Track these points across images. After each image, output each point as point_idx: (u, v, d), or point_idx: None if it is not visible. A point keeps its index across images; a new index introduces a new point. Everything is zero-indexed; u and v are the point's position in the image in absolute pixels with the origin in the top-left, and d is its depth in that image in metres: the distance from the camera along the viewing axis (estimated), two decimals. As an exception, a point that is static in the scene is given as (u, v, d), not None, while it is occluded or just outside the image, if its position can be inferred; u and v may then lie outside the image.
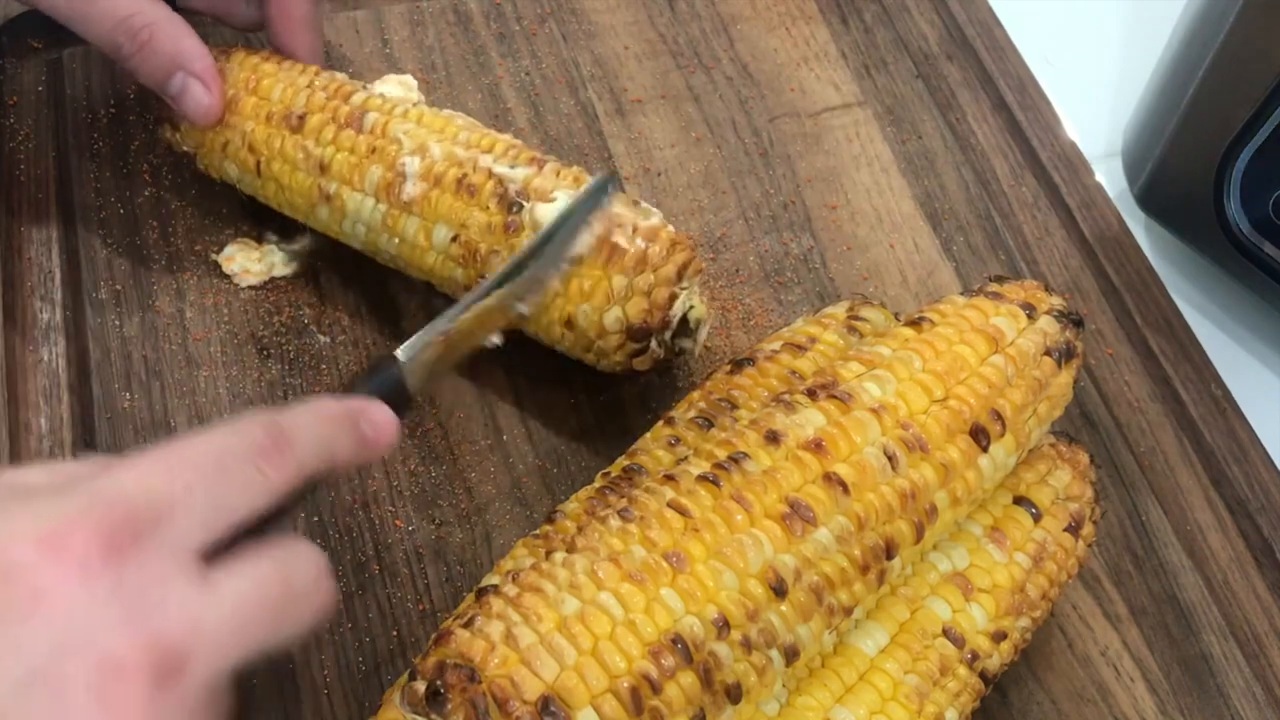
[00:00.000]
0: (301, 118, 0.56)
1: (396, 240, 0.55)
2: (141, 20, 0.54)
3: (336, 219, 0.56)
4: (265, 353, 0.57)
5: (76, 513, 0.32)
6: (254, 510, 0.35)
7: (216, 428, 0.36)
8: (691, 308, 0.54)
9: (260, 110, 0.57)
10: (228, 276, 0.59)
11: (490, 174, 0.53)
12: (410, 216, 0.54)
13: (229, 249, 0.60)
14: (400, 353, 0.43)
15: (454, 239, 0.54)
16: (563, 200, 0.52)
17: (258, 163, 0.57)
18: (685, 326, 0.54)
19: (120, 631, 0.31)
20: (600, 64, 0.71)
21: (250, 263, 0.59)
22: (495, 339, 0.47)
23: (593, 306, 0.52)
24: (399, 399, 0.42)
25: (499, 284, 0.46)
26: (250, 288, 0.59)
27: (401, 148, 0.54)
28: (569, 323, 0.53)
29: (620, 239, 0.52)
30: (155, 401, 0.55)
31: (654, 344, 0.53)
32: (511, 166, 0.54)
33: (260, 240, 0.61)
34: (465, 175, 0.54)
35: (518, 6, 0.73)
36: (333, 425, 0.39)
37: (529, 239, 0.51)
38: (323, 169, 0.55)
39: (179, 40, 0.55)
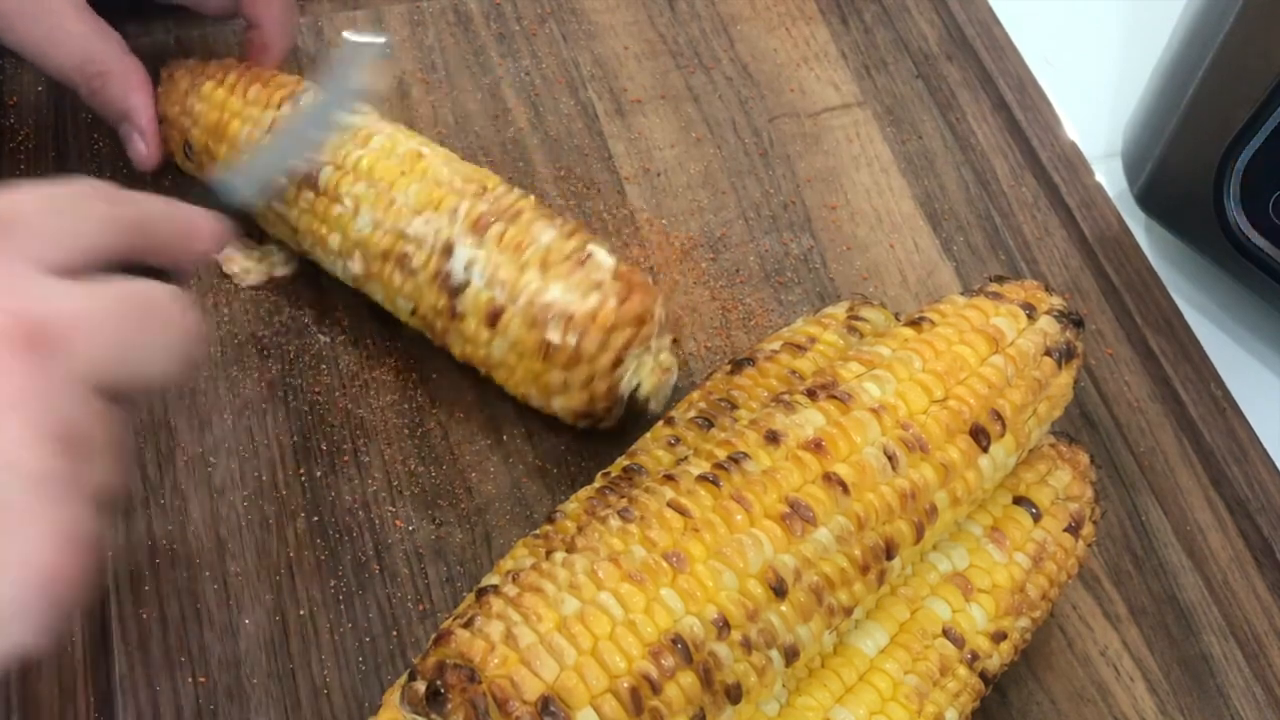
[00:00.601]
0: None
1: (380, 297, 0.56)
2: (94, 68, 0.56)
3: (327, 262, 0.57)
4: (265, 353, 0.57)
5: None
6: (101, 241, 0.37)
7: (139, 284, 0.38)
8: (638, 385, 0.53)
9: (219, 131, 0.57)
10: (228, 276, 0.59)
11: (431, 252, 0.53)
12: (375, 283, 0.55)
13: (229, 249, 0.60)
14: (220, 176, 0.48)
15: (412, 312, 0.55)
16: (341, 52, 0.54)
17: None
18: (635, 395, 0.53)
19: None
20: (600, 64, 0.71)
21: (250, 263, 0.59)
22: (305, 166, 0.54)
23: (538, 394, 0.53)
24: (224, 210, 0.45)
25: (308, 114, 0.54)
26: (250, 288, 0.59)
27: (353, 216, 0.54)
28: (525, 397, 0.54)
29: (553, 335, 0.51)
30: (155, 402, 0.55)
31: (609, 417, 0.54)
32: (453, 233, 0.53)
33: (260, 240, 0.61)
34: (407, 254, 0.53)
35: (518, 6, 0.73)
36: (172, 208, 0.41)
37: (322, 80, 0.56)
38: (295, 230, 0.56)
39: (128, 93, 0.57)
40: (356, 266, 0.55)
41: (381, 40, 0.55)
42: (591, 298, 0.51)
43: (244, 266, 0.59)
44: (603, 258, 0.52)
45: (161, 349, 0.37)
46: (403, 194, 0.54)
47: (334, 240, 0.55)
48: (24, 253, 0.35)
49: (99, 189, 0.38)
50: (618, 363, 0.51)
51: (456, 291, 0.52)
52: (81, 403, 0.34)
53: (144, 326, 0.36)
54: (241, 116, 0.57)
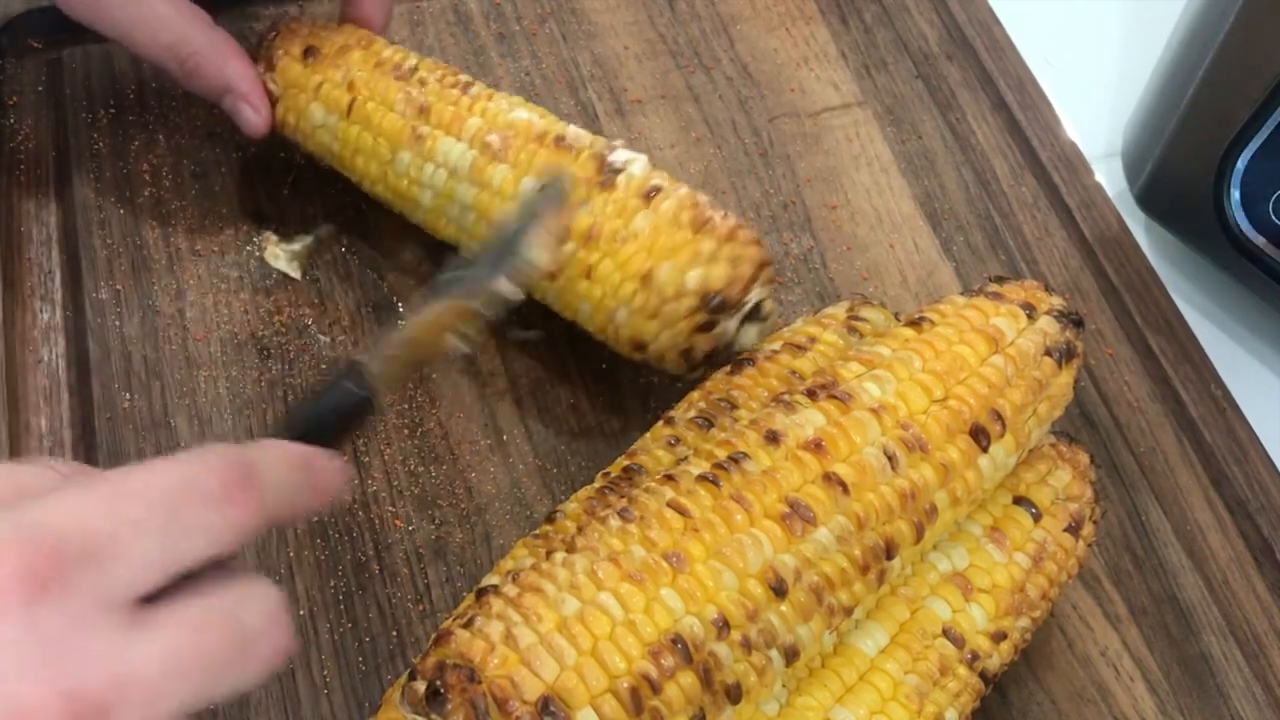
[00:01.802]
0: (413, 69, 0.57)
1: (475, 190, 0.55)
2: (186, 49, 0.56)
3: (417, 165, 0.56)
4: (265, 353, 0.57)
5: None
6: (208, 556, 0.31)
7: (178, 457, 0.31)
8: (764, 300, 0.54)
9: (369, 60, 0.58)
10: (228, 276, 0.59)
11: (591, 142, 0.55)
12: (500, 165, 0.55)
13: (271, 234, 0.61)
14: (366, 359, 0.40)
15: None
16: (517, 205, 0.53)
17: (352, 101, 0.57)
18: (757, 312, 0.53)
19: (32, 679, 0.27)
20: (600, 64, 0.71)
21: (281, 249, 0.60)
22: (463, 346, 0.44)
23: (675, 265, 0.51)
24: (366, 408, 0.40)
25: (458, 287, 0.44)
26: (251, 288, 0.59)
27: (504, 112, 0.56)
28: (646, 278, 0.52)
29: (712, 213, 0.52)
30: (155, 402, 0.55)
31: (724, 323, 0.52)
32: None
33: (260, 240, 0.61)
34: (564, 136, 0.55)
35: (517, 6, 0.73)
36: (299, 472, 0.35)
37: (484, 243, 0.52)
38: (422, 112, 0.56)
39: (223, 66, 0.57)
40: (494, 147, 0.55)
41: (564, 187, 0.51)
42: (700, 247, 0.52)
43: (273, 253, 0.60)
44: (721, 216, 0.53)
45: (243, 676, 0.31)
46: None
47: (473, 124, 0.56)
48: (105, 589, 0.29)
49: (233, 475, 0.31)
50: (760, 266, 0.53)
51: (614, 170, 0.53)
52: (91, 624, 0.29)
53: (226, 665, 0.31)
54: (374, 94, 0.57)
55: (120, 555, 0.29)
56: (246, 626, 0.31)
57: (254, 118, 0.58)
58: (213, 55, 0.56)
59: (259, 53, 0.59)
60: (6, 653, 0.27)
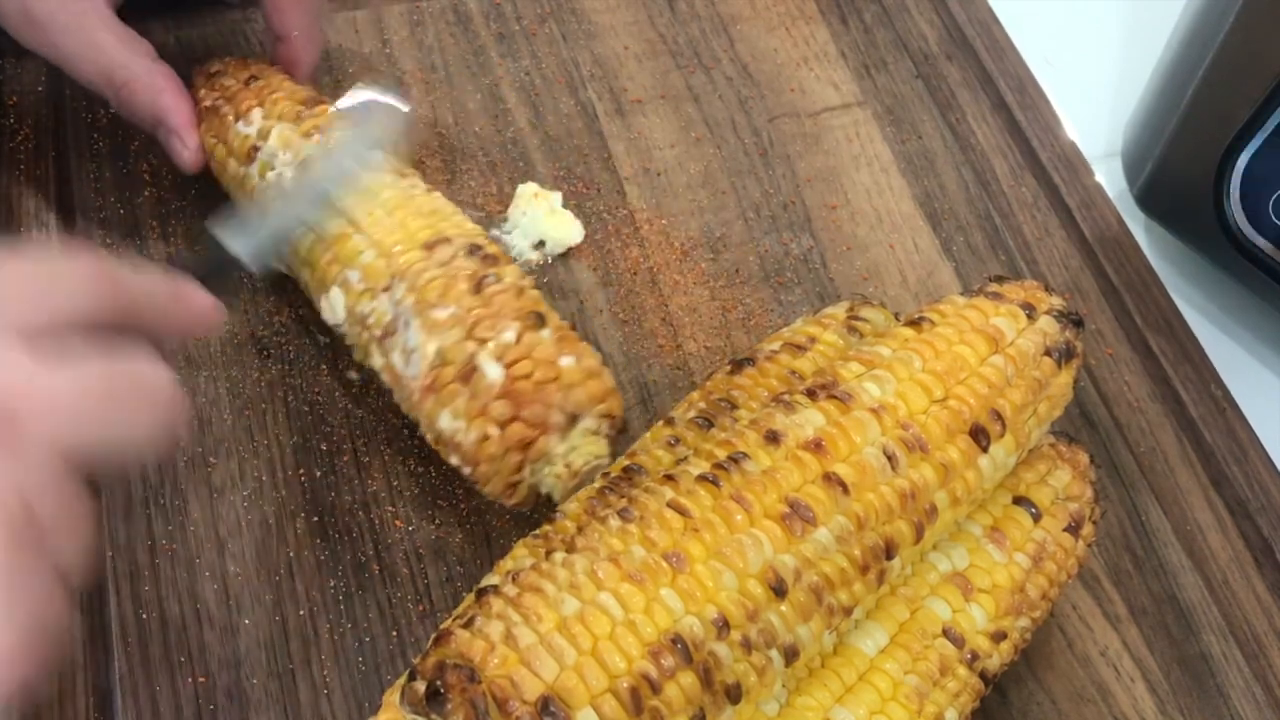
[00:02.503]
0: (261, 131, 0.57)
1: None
2: (121, 76, 0.56)
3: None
4: (265, 353, 0.57)
5: None
6: (84, 309, 0.36)
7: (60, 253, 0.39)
8: (550, 487, 0.50)
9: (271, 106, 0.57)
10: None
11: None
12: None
13: None
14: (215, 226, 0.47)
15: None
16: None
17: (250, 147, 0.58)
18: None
19: None
20: (600, 64, 0.71)
21: None
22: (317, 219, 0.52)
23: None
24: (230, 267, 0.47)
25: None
26: (250, 288, 0.59)
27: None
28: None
29: (454, 460, 0.50)
30: (155, 401, 0.55)
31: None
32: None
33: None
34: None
35: (517, 6, 0.73)
36: (160, 285, 0.41)
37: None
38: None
39: (156, 98, 0.57)
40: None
41: (405, 109, 0.54)
42: (475, 427, 0.49)
43: None
44: (490, 370, 0.49)
45: (141, 426, 0.36)
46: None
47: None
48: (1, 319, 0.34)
49: (91, 259, 0.38)
50: (514, 482, 0.50)
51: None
52: (50, 482, 0.33)
53: (123, 404, 0.36)
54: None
55: (20, 293, 0.35)
56: (142, 379, 0.36)
57: (183, 153, 0.58)
58: (148, 86, 0.56)
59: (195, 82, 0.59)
60: None
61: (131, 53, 0.56)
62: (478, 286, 0.50)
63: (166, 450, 0.38)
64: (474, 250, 0.52)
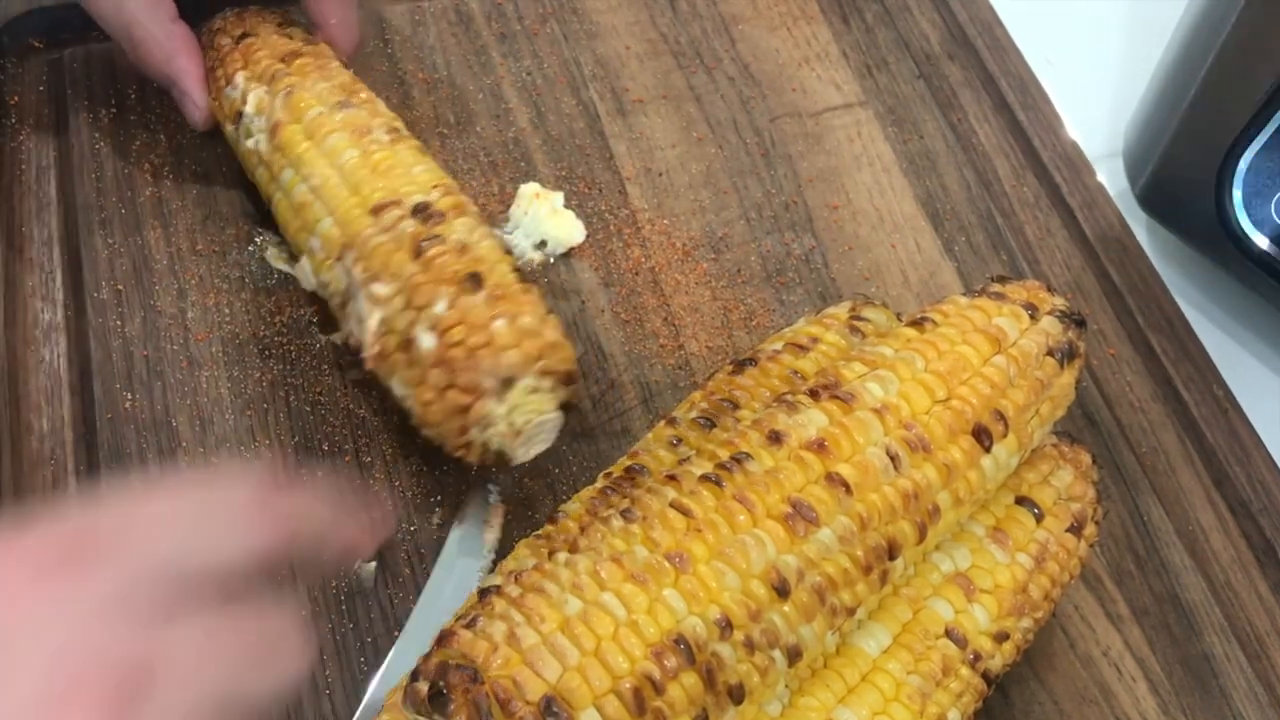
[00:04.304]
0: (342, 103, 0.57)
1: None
2: (139, 33, 0.58)
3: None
4: (266, 353, 0.57)
5: (40, 527, 0.32)
6: (231, 556, 0.34)
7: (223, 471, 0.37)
8: (500, 446, 0.50)
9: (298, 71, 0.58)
10: (229, 276, 0.59)
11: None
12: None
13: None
14: None
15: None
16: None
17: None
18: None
19: (80, 641, 0.30)
20: (602, 64, 0.71)
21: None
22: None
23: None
24: None
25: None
26: (252, 288, 0.59)
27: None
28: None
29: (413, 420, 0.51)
30: (157, 402, 0.55)
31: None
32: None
33: (261, 240, 0.61)
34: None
35: (519, 6, 0.72)
36: (333, 511, 0.38)
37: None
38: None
39: (170, 58, 0.59)
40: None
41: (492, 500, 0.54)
42: (419, 394, 0.50)
43: (274, 253, 0.61)
44: (425, 340, 0.50)
45: (270, 678, 0.35)
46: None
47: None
48: (137, 567, 0.33)
49: (251, 490, 0.36)
50: (463, 444, 0.50)
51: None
52: None
53: (252, 658, 0.34)
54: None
55: (149, 537, 0.33)
56: (269, 627, 0.35)
57: (194, 113, 0.60)
58: (163, 47, 0.58)
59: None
60: (52, 621, 0.30)
61: (153, 11, 0.58)
62: (418, 251, 0.51)
63: (293, 680, 0.36)
64: (419, 210, 0.52)
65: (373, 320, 0.51)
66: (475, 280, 0.50)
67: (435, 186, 0.54)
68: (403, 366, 0.51)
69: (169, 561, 0.33)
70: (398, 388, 0.51)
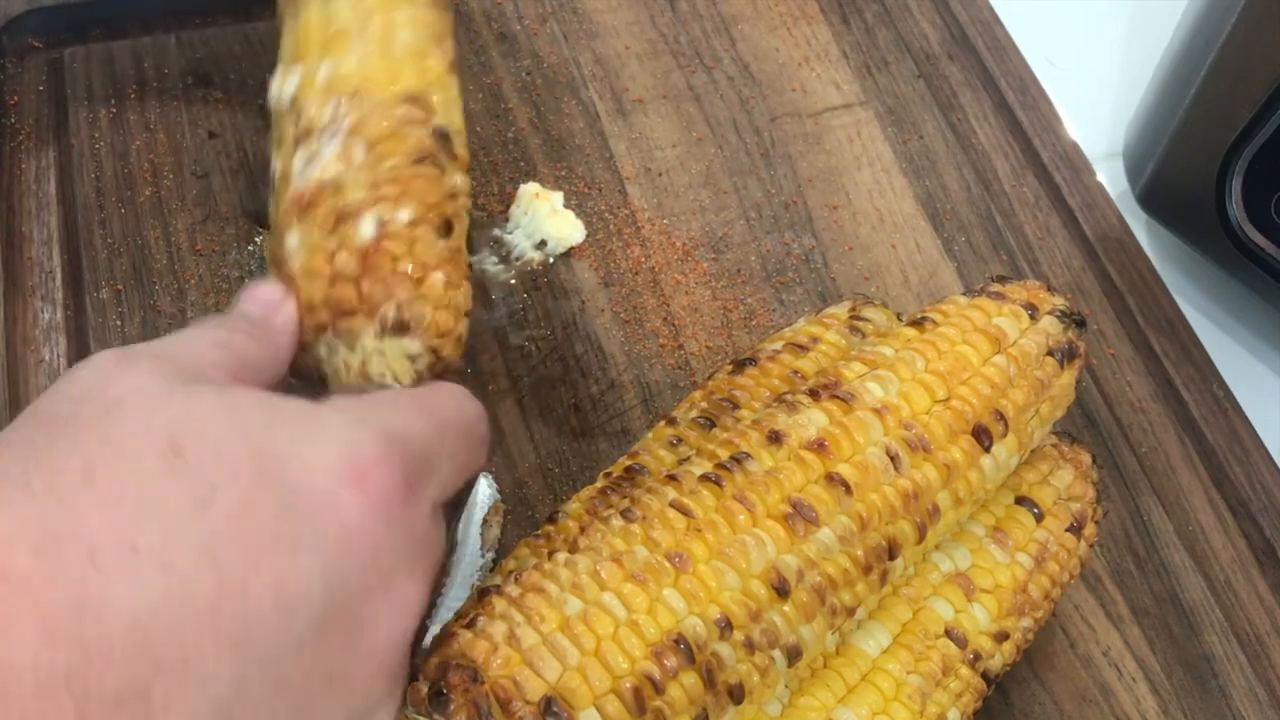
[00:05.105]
0: None
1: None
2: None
3: None
4: (266, 353, 0.57)
5: (376, 449, 0.33)
6: (469, 479, 0.40)
7: (455, 389, 0.40)
8: (328, 369, 0.46)
9: None
10: (228, 276, 0.59)
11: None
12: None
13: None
14: None
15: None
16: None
17: None
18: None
19: (414, 578, 0.34)
20: (601, 64, 0.71)
21: None
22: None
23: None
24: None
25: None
26: (250, 274, 0.59)
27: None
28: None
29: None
30: (156, 401, 0.55)
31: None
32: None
33: (261, 240, 0.61)
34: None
35: (518, 6, 0.72)
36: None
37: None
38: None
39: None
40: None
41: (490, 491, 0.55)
42: (310, 263, 0.44)
43: None
44: (365, 228, 0.44)
45: (479, 457, 0.40)
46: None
47: None
48: (431, 499, 0.36)
49: (483, 419, 0.40)
50: (305, 342, 0.45)
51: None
52: (435, 533, 0.36)
53: (474, 445, 0.39)
54: None
55: (439, 474, 0.36)
56: (475, 417, 0.40)
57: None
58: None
59: None
60: (396, 555, 0.33)
61: None
62: (418, 159, 0.45)
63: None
64: (440, 134, 0.47)
65: (331, 171, 0.45)
66: (447, 226, 0.46)
67: (455, 126, 0.48)
68: (316, 227, 0.44)
69: (442, 495, 0.37)
70: (292, 240, 0.44)
